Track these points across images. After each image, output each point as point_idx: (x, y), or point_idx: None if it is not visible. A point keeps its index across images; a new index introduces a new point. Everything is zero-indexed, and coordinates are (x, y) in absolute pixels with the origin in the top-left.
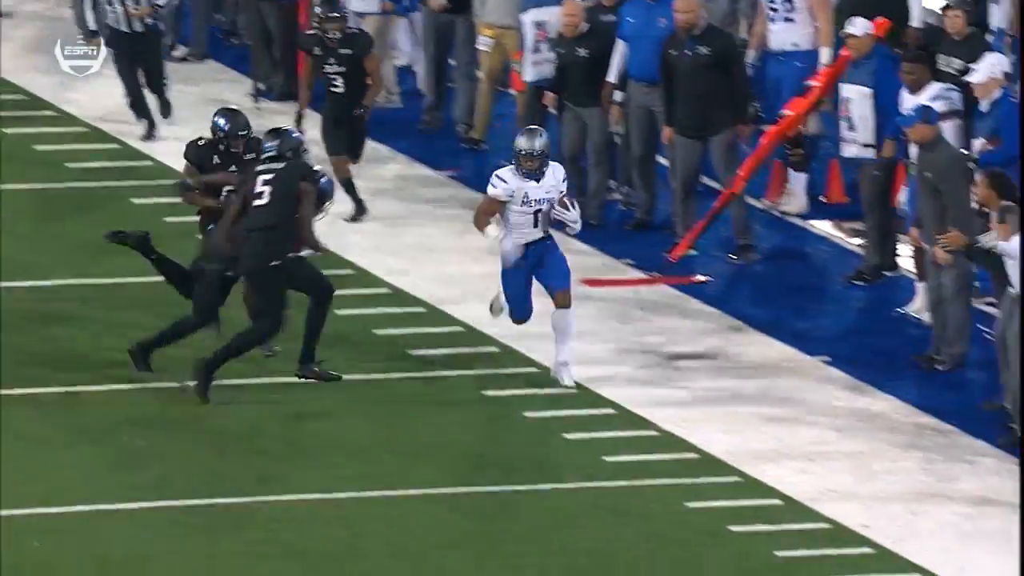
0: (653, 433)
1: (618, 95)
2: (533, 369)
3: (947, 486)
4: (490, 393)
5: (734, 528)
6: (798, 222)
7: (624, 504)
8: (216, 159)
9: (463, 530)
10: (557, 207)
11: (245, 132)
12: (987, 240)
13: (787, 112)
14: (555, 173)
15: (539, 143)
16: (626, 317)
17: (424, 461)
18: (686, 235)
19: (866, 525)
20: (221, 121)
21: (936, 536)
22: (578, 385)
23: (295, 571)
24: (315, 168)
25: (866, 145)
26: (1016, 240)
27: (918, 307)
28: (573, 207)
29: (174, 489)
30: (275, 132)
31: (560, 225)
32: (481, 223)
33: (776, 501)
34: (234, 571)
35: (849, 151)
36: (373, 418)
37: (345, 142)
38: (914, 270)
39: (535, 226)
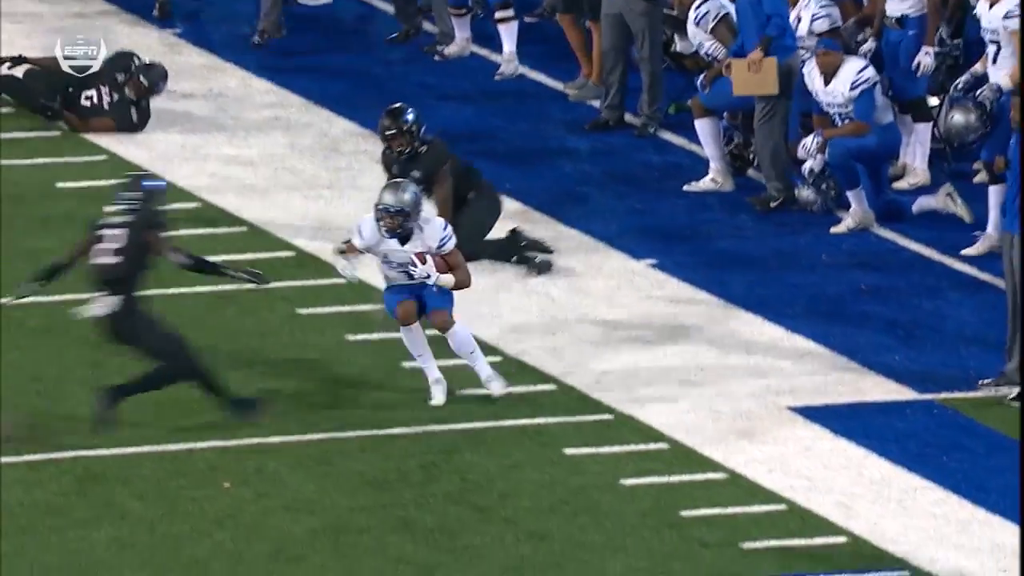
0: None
1: None
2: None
3: None
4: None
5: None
6: None
7: None
8: None
9: None
10: (410, 266)
11: None
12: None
13: None
14: (430, 233)
15: (403, 198)
16: None
17: None
18: None
19: None
20: None
21: None
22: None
23: None
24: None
25: None
26: None
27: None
28: (423, 261)
29: None
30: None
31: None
32: (346, 248)
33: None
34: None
35: None
36: None
37: None
38: None
39: (411, 279)
